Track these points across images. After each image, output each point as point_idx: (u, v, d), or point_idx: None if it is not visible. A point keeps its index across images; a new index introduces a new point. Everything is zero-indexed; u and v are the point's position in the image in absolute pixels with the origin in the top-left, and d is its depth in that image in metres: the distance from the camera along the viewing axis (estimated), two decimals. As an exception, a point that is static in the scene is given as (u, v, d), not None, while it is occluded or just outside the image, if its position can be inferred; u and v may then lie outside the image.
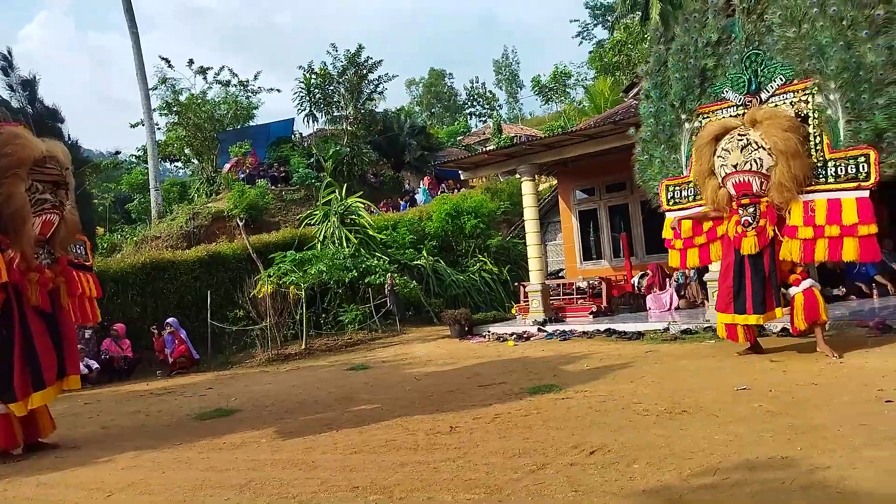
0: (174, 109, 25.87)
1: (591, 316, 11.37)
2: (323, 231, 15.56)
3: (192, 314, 13.18)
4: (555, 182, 16.35)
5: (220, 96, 27.66)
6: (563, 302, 12.18)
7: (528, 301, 11.93)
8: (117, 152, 27.64)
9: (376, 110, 29.00)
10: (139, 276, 13.10)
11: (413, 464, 4.10)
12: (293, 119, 27.49)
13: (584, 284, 12.21)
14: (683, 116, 7.25)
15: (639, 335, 9.15)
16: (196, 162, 27.16)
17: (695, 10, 7.26)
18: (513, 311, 13.28)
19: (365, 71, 26.53)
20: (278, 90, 59.35)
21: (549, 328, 10.70)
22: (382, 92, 28.01)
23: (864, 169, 5.82)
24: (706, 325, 8.70)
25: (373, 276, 13.69)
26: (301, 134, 29.10)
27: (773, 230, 6.30)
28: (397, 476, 3.88)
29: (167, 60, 25.89)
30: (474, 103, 58.04)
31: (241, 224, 18.36)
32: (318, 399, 6.95)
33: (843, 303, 9.74)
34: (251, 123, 27.89)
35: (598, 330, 9.92)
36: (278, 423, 5.87)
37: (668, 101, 7.36)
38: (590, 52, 39.57)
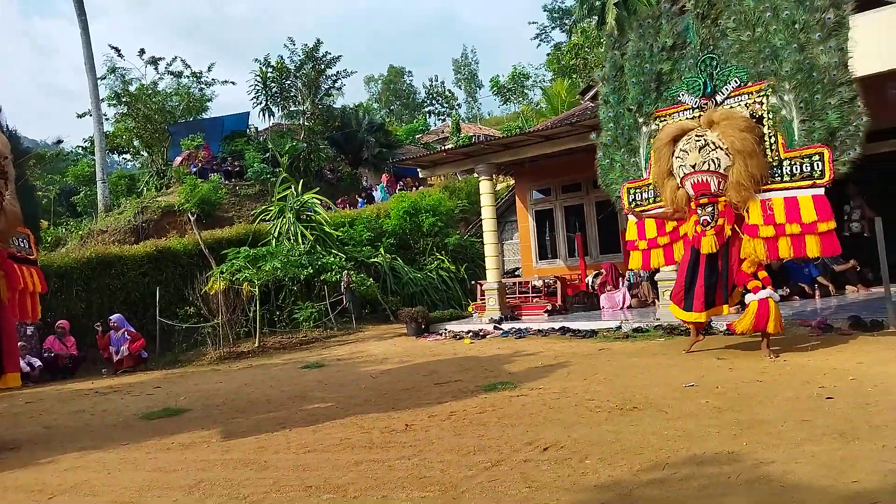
0: (123, 100, 25.08)
1: (546, 314, 11.51)
2: (278, 227, 15.32)
3: (140, 311, 12.80)
4: (512, 182, 16.48)
5: (171, 87, 26.95)
6: (519, 300, 12.29)
7: (484, 299, 12.00)
8: (59, 141, 26.59)
9: (334, 106, 28.74)
10: (84, 272, 12.65)
11: (367, 462, 4.07)
12: (248, 113, 26.99)
13: (539, 283, 12.35)
14: (641, 120, 7.39)
15: (592, 333, 9.30)
16: (146, 154, 26.38)
17: (649, 16, 7.41)
18: (469, 309, 13.34)
19: (323, 66, 26.26)
20: (233, 83, 57.50)
21: (505, 326, 10.78)
22: (340, 88, 27.81)
23: (818, 167, 6.03)
24: (657, 324, 8.91)
25: (329, 274, 13.54)
26: (256, 128, 28.60)
27: (732, 229, 6.47)
28: (351, 475, 3.85)
29: (117, 49, 25.14)
30: (433, 102, 58.04)
31: (192, 219, 17.91)
32: (270, 398, 6.84)
33: (787, 303, 10.08)
34: (204, 116, 27.25)
35: (552, 328, 10.04)
36: (229, 423, 5.75)
37: (626, 106, 7.49)
38: (547, 55, 40.07)
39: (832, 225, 6.01)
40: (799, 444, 3.59)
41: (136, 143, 26.67)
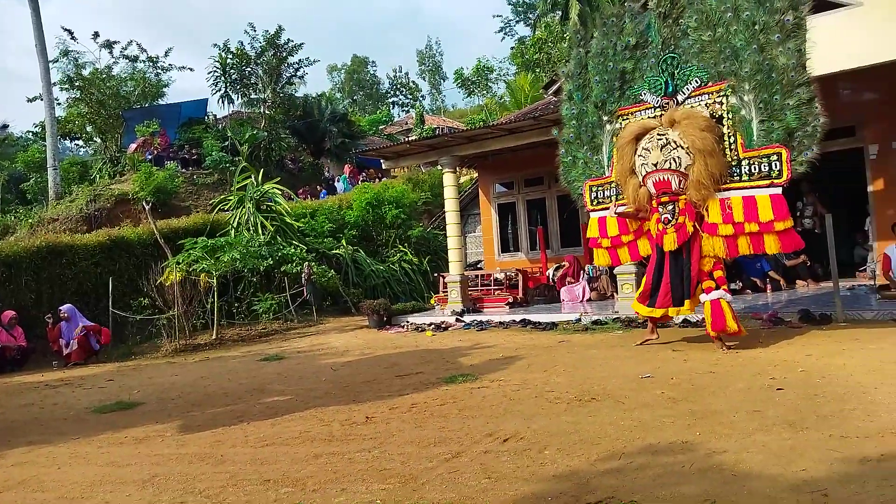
0: (76, 84, 24.27)
1: (508, 307, 11.60)
2: (237, 217, 15.05)
3: (93, 302, 12.44)
4: (476, 175, 16.52)
5: (126, 72, 26.18)
6: (481, 293, 12.35)
7: (447, 291, 12.02)
8: (4, 126, 25.60)
9: (296, 95, 28.35)
10: (34, 261, 12.21)
11: (327, 455, 4.04)
12: (206, 100, 26.43)
13: (501, 276, 12.43)
14: (604, 118, 7.42)
15: (552, 325, 9.41)
16: (99, 141, 25.59)
17: (613, 15, 7.44)
18: (432, 301, 13.35)
19: (285, 53, 25.87)
20: (191, 69, 56.73)
21: (467, 318, 10.82)
22: (303, 76, 27.45)
23: (776, 167, 6.15)
24: (615, 317, 9.06)
25: (289, 265, 13.37)
26: (215, 115, 28.05)
27: (693, 226, 6.58)
28: (310, 468, 3.81)
29: (70, 32, 24.29)
30: (397, 93, 57.81)
31: (147, 208, 17.46)
32: (228, 391, 6.73)
33: (739, 297, 10.36)
34: (160, 102, 26.56)
35: (514, 320, 10.12)
36: (185, 416, 5.64)
37: (590, 103, 7.51)
38: (512, 48, 40.23)
39: (789, 224, 6.14)
40: (750, 434, 3.69)
41: (89, 128, 25.88)
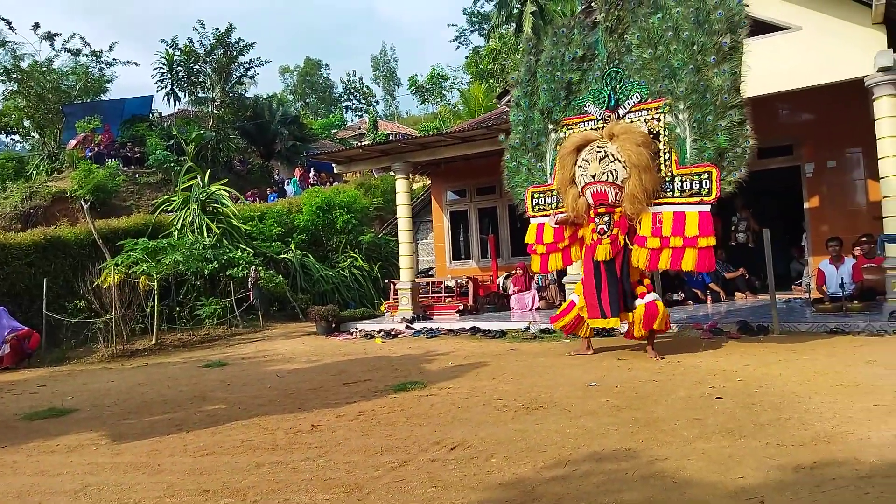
0: (14, 76, 23.22)
1: (458, 314, 11.61)
2: (181, 219, 14.60)
3: (26, 304, 11.84)
4: (428, 182, 16.53)
5: (68, 66, 25.20)
6: (431, 300, 12.33)
7: (397, 298, 11.95)
8: None
9: (246, 95, 27.85)
10: (-39, 260, 11.58)
11: (270, 464, 3.94)
12: (152, 97, 25.69)
13: (452, 283, 12.45)
14: (550, 126, 7.53)
15: (502, 333, 9.46)
16: (37, 136, 24.52)
17: (563, 26, 7.58)
18: (382, 308, 13.25)
19: (235, 53, 25.40)
20: (136, 64, 55.09)
21: (417, 326, 10.78)
22: (253, 76, 27.00)
23: (706, 185, 6.31)
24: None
25: (235, 269, 13.05)
26: (160, 113, 27.25)
27: (625, 239, 6.73)
28: (252, 478, 3.71)
29: (7, 22, 23.25)
30: (351, 97, 57.39)
31: (86, 207, 16.76)
32: (167, 398, 6.50)
33: (681, 307, 10.67)
34: (103, 98, 25.65)
35: (463, 328, 10.14)
36: (121, 424, 5.42)
37: (537, 111, 7.60)
38: (466, 58, 40.47)
39: (711, 241, 6.30)
40: (690, 442, 3.78)
41: (26, 123, 24.78)
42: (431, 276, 14.52)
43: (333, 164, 13.59)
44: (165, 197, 16.45)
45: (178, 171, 17.69)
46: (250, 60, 26.10)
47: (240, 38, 25.34)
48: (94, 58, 25.76)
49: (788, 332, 7.69)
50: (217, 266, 12.96)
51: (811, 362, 5.88)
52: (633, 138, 6.54)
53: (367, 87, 57.98)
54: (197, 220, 14.31)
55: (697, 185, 6.35)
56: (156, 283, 11.68)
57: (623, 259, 6.73)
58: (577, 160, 6.93)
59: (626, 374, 5.95)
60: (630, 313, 6.73)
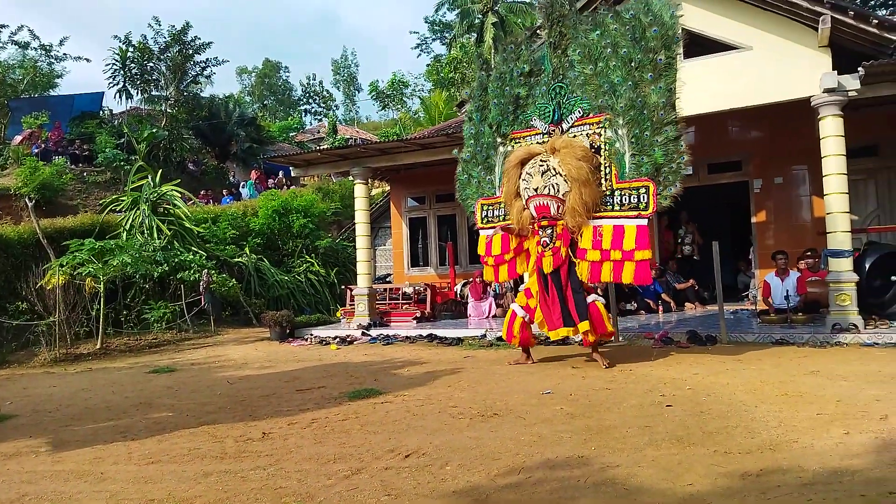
0: (-45, 67, 22.22)
1: (415, 321, 11.58)
2: (130, 219, 14.15)
3: (-38, 305, 11.32)
4: (388, 188, 16.46)
5: (15, 59, 24.25)
6: (388, 307, 12.26)
7: (354, 304, 11.84)
8: None
9: (202, 95, 27.27)
10: None
11: (218, 473, 3.83)
12: (103, 93, 24.86)
13: (410, 290, 12.41)
14: (499, 140, 7.62)
15: (458, 341, 9.47)
16: (-21, 130, 23.48)
17: (511, 41, 7.68)
18: (338, 314, 13.11)
19: (191, 51, 24.84)
20: (87, 59, 53.34)
21: (374, 332, 10.70)
22: (210, 76, 26.47)
23: (644, 199, 6.46)
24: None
25: (186, 272, 12.71)
26: (111, 111, 26.42)
27: (567, 251, 6.83)
28: (200, 487, 3.60)
29: (-53, 9, 22.21)
30: (310, 100, 56.75)
31: (30, 205, 16.13)
32: (111, 404, 6.28)
33: (634, 317, 10.88)
34: (52, 93, 24.76)
35: (420, 335, 10.11)
36: (62, 431, 5.20)
37: (487, 125, 7.68)
38: (427, 66, 40.61)
39: (648, 255, 6.47)
40: (641, 449, 3.84)
41: (-33, 116, 23.69)
42: (389, 282, 14.44)
43: (291, 168, 13.39)
44: (114, 197, 15.92)
45: (128, 171, 17.13)
46: (207, 59, 25.58)
47: (196, 37, 24.83)
48: (44, 52, 24.92)
49: (736, 342, 7.92)
50: (167, 269, 12.62)
51: (757, 372, 6.06)
52: (573, 152, 6.65)
53: (327, 91, 57.51)
54: (147, 221, 13.89)
55: (636, 199, 6.50)
56: (102, 286, 11.30)
57: (568, 270, 6.82)
58: (521, 173, 7.02)
59: (580, 382, 6.02)
60: (587, 322, 6.80)
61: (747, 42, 8.57)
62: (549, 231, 6.84)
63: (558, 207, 6.74)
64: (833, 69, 8.00)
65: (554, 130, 7.14)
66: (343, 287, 14.03)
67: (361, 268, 11.84)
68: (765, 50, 8.46)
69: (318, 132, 36.48)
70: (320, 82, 57.30)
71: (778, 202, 11.16)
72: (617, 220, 6.57)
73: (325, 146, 23.14)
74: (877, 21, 7.66)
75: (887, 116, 10.08)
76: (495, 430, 4.47)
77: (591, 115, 6.89)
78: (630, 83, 6.46)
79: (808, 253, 9.74)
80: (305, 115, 53.44)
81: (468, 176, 7.92)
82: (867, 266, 8.30)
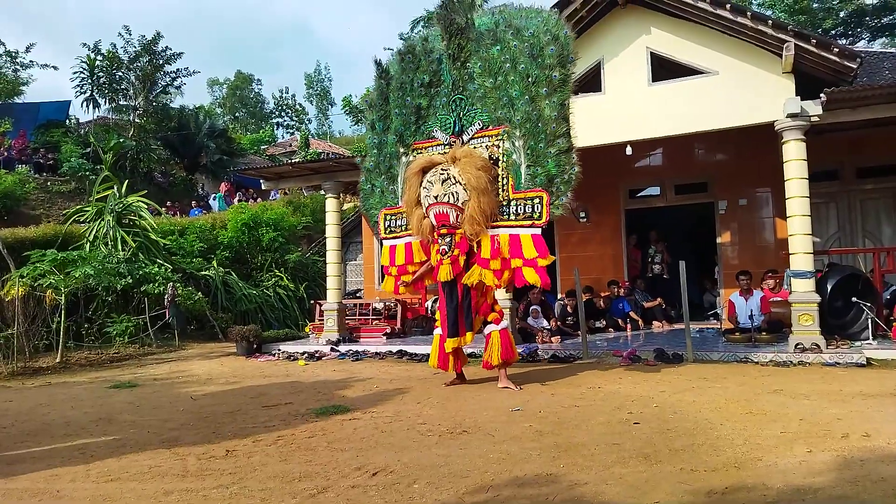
0: (-85, 72, 21.60)
1: (385, 337, 11.49)
2: (94, 230, 13.84)
3: (-86, 316, 10.88)
4: (359, 203, 16.38)
5: (-23, 65, 23.70)
6: (358, 322, 12.16)
7: (323, 320, 11.72)
8: None
9: (171, 105, 26.94)
10: None
11: (179, 492, 3.73)
12: (69, 102, 24.43)
13: (380, 306, 12.33)
14: (402, 150, 7.60)
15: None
16: (-62, 136, 22.78)
17: (409, 51, 7.60)
18: (307, 329, 12.96)
19: (161, 61, 24.56)
20: (55, 67, 52.34)
21: (343, 348, 10.59)
22: (180, 87, 26.18)
23: (538, 209, 6.57)
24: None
25: (151, 285, 12.45)
26: (78, 120, 25.94)
27: (465, 260, 6.87)
28: (160, 506, 3.50)
29: None
30: (282, 114, 56.44)
31: (-10, 214, 15.73)
32: (70, 420, 6.08)
33: (602, 334, 10.97)
34: (16, 100, 24.22)
35: (390, 351, 10.03)
36: (18, 447, 5.01)
37: (390, 134, 7.66)
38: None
39: (549, 261, 6.58)
40: (609, 467, 3.85)
41: (-74, 122, 23.00)
42: (359, 297, 14.33)
43: (262, 181, 13.27)
44: (78, 207, 15.59)
45: (93, 181, 16.80)
46: (177, 70, 25.33)
47: (166, 47, 24.58)
48: (9, 58, 24.39)
49: (701, 360, 8.04)
50: (131, 281, 12.35)
51: (723, 390, 6.14)
52: (473, 162, 6.73)
53: (300, 104, 57.27)
54: (111, 233, 13.60)
55: (530, 209, 6.61)
56: (63, 298, 11.00)
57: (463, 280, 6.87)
58: (422, 181, 7.03)
59: (550, 400, 6.03)
60: (470, 334, 6.84)
61: (714, 67, 8.80)
62: (447, 239, 6.87)
63: (457, 216, 6.77)
64: (796, 95, 8.25)
65: (455, 142, 7.20)
66: (312, 302, 13.88)
67: (331, 282, 11.74)
68: (731, 75, 8.69)
69: (290, 146, 36.27)
70: (293, 96, 57.11)
71: (742, 223, 11.41)
72: (513, 230, 6.67)
73: (297, 159, 23.01)
74: (837, 49, 7.94)
75: (848, 141, 10.43)
76: (464, 447, 4.44)
77: (490, 127, 6.99)
78: (527, 97, 6.61)
79: (770, 273, 9.97)
80: (278, 129, 53.09)
81: (371, 186, 7.85)
82: (829, 287, 8.52)
